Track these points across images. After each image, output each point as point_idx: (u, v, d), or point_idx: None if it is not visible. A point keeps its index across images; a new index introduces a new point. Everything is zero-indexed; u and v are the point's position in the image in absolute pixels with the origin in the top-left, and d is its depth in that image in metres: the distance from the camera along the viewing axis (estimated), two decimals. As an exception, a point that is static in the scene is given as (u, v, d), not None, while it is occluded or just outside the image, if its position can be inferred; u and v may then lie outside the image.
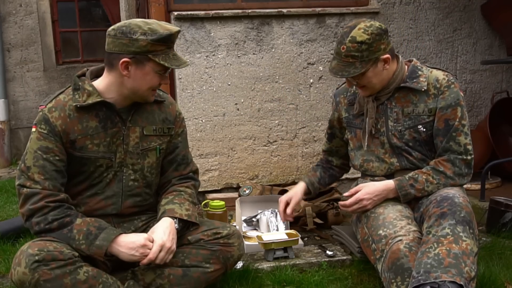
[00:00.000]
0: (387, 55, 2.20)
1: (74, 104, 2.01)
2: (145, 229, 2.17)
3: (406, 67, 2.31)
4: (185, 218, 2.06)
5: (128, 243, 1.93)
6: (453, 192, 2.13)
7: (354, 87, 2.37)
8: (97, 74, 2.10)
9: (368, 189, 2.25)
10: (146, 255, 1.92)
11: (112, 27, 2.00)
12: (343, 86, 2.49)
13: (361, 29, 2.15)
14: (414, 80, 2.26)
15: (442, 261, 1.86)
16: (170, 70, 2.06)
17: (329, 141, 2.66)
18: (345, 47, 2.16)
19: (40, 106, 2.05)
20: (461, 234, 1.94)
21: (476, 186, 3.23)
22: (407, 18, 3.77)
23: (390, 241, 2.04)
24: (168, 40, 1.96)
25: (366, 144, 2.35)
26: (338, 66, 2.20)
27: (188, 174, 2.25)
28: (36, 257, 1.80)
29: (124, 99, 2.05)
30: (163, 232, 1.98)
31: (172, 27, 2.00)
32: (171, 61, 1.98)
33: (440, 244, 1.91)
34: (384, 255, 2.04)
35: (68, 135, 1.99)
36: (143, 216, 2.21)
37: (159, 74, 2.00)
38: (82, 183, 2.07)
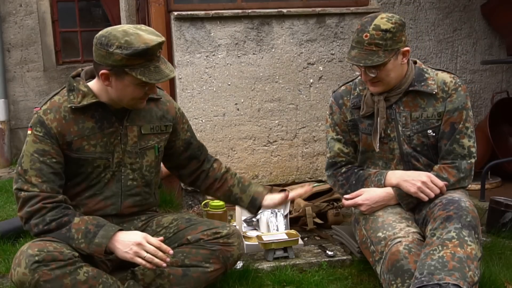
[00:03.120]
0: (407, 48, 2.17)
1: (69, 105, 1.99)
2: (144, 229, 2.17)
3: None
4: (267, 191, 2.33)
5: (124, 240, 1.91)
6: (458, 195, 2.11)
7: (357, 88, 2.34)
8: (92, 74, 2.07)
9: (369, 195, 2.23)
10: (139, 256, 1.88)
11: (99, 32, 1.94)
12: (343, 88, 2.41)
13: (384, 18, 2.12)
14: (423, 84, 2.23)
15: (446, 264, 1.85)
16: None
17: (347, 144, 2.41)
18: (368, 35, 2.10)
19: (35, 108, 2.03)
20: (466, 238, 1.93)
21: (476, 186, 3.23)
22: (407, 18, 3.76)
23: (389, 242, 2.03)
24: (145, 54, 1.86)
25: (377, 145, 2.26)
26: (360, 54, 2.12)
27: (207, 155, 2.38)
28: (36, 258, 1.79)
29: (116, 103, 2.02)
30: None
31: (153, 38, 1.87)
32: (151, 74, 1.88)
33: (444, 247, 1.90)
34: (383, 256, 2.04)
35: (64, 137, 1.98)
36: (143, 216, 2.21)
37: (141, 86, 1.93)
38: (80, 184, 2.06)
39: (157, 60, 1.92)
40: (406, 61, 2.19)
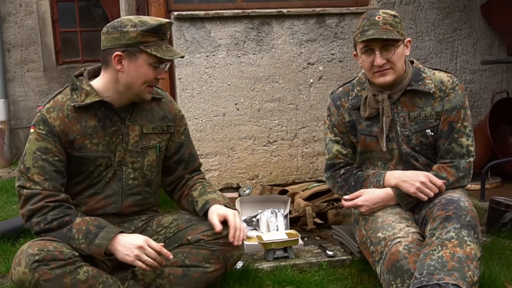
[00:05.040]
0: (409, 39, 2.25)
1: (72, 104, 2.00)
2: (145, 229, 2.17)
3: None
4: (227, 206, 2.11)
5: (126, 242, 1.91)
6: (457, 195, 2.11)
7: (355, 89, 2.34)
8: (94, 74, 2.09)
9: (368, 196, 2.23)
10: (140, 259, 1.88)
11: (106, 25, 2.01)
12: (340, 89, 2.41)
13: (385, 9, 2.20)
14: (420, 83, 2.23)
15: (446, 264, 1.85)
16: (165, 66, 2.02)
17: (345, 146, 2.40)
18: (381, 17, 2.15)
19: (38, 106, 2.04)
20: (465, 238, 1.92)
21: (476, 186, 3.23)
22: (407, 18, 3.77)
23: (389, 243, 2.03)
24: (158, 31, 1.95)
25: (384, 144, 2.26)
26: (378, 32, 2.13)
27: (197, 168, 2.32)
28: (36, 257, 1.79)
29: (121, 98, 2.04)
30: (232, 214, 2.05)
31: (163, 19, 1.99)
32: (164, 52, 1.96)
33: (444, 247, 1.90)
34: (383, 257, 2.03)
35: (67, 135, 1.99)
36: (143, 215, 2.21)
37: (153, 67, 1.98)
38: (81, 182, 2.07)
39: (167, 42, 2.00)
40: (408, 53, 2.23)
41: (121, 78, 1.99)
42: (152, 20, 1.96)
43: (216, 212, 2.06)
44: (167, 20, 1.99)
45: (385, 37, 2.11)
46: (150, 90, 2.05)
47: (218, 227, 2.01)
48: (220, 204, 2.11)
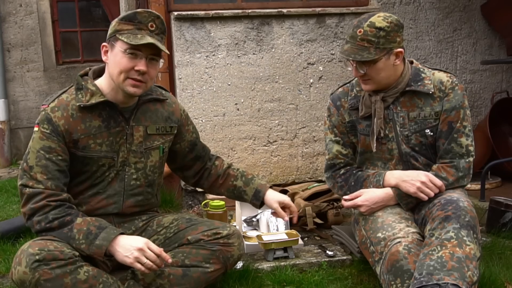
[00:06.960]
0: (401, 49, 2.18)
1: (77, 104, 2.01)
2: (145, 229, 2.17)
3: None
4: (269, 185, 2.38)
5: (126, 244, 1.90)
6: (456, 195, 2.11)
7: (354, 90, 2.35)
8: (99, 74, 2.10)
9: (368, 196, 2.23)
10: (140, 262, 1.87)
11: None
12: (340, 90, 2.42)
13: (381, 16, 2.13)
14: (419, 84, 2.23)
15: (445, 264, 1.85)
16: (147, 58, 1.95)
17: (345, 146, 2.40)
18: (362, 30, 2.12)
19: (43, 105, 2.04)
20: (465, 238, 1.93)
21: (476, 186, 3.23)
22: (407, 18, 3.77)
23: (389, 243, 2.03)
24: (134, 19, 1.94)
25: (375, 145, 2.27)
26: (352, 49, 2.14)
27: (209, 155, 2.41)
28: (37, 257, 1.79)
29: (116, 94, 2.03)
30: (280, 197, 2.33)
31: (145, 10, 2.01)
32: (135, 39, 1.92)
33: (443, 247, 1.90)
34: (383, 257, 2.04)
35: (71, 134, 1.99)
36: (144, 216, 2.22)
37: (129, 55, 1.94)
38: (84, 182, 2.07)
39: (147, 33, 1.95)
40: (399, 62, 2.19)
41: (107, 71, 2.03)
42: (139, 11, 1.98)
43: (276, 201, 2.31)
44: (146, 10, 1.98)
45: (352, 57, 2.13)
46: (132, 83, 1.98)
47: (286, 217, 2.34)
48: (268, 187, 2.34)
